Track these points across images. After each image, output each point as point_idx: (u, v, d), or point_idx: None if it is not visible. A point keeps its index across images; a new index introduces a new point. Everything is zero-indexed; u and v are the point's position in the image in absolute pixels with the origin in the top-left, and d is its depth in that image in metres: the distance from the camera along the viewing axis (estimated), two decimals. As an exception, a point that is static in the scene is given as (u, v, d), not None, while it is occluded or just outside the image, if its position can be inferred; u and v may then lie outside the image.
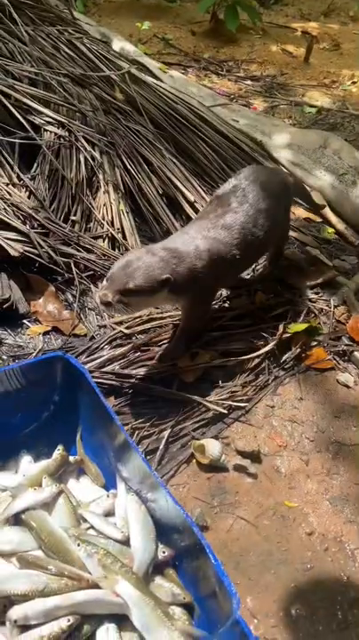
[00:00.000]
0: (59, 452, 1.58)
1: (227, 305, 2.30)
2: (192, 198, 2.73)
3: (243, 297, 2.33)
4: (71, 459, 1.58)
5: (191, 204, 2.73)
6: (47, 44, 3.15)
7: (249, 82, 4.67)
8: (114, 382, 1.91)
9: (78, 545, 1.31)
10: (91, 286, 2.30)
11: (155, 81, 3.33)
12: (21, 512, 1.40)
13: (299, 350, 2.14)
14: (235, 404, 1.92)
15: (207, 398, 1.92)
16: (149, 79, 3.31)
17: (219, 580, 1.14)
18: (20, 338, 2.07)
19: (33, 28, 3.18)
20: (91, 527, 1.41)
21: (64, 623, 1.17)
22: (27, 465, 1.57)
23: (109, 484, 1.55)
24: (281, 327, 2.16)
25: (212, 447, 1.75)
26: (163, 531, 1.38)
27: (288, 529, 1.63)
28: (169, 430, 1.82)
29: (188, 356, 2.02)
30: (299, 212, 2.96)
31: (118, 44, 3.84)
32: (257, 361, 2.06)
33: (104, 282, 1.78)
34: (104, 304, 1.71)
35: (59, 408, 1.68)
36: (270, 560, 1.55)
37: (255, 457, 1.79)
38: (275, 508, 1.68)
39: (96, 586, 1.24)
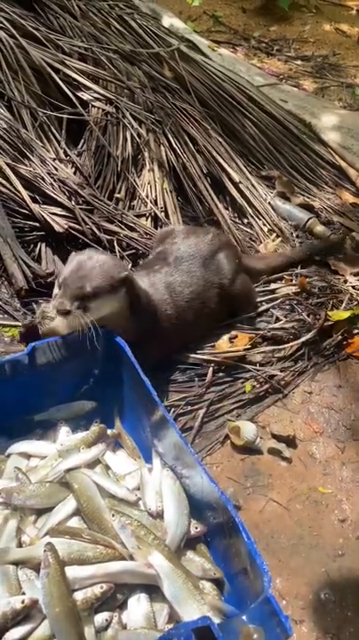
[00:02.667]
0: (97, 424, 1.61)
1: (269, 288, 2.27)
2: (237, 178, 2.70)
3: (286, 280, 2.31)
4: (109, 432, 1.60)
5: (235, 185, 2.71)
6: (98, 19, 3.14)
7: (299, 62, 4.55)
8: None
9: (113, 515, 1.34)
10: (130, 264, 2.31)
11: (203, 59, 3.29)
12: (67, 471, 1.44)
13: (340, 338, 2.11)
14: (274, 386, 1.91)
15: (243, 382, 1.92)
16: (198, 57, 3.27)
17: (251, 557, 1.15)
18: (62, 312, 2.10)
19: (85, 2, 3.17)
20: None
21: (98, 590, 1.20)
22: (66, 436, 1.60)
23: (145, 459, 1.57)
24: (322, 314, 2.13)
25: (248, 430, 1.75)
26: (196, 507, 1.40)
27: (320, 514, 1.63)
28: (204, 409, 1.83)
29: (226, 340, 2.01)
30: (345, 196, 2.89)
31: (168, 21, 3.79)
32: (296, 346, 2.04)
33: (55, 290, 1.64)
34: (62, 313, 1.55)
35: (98, 381, 1.70)
36: (301, 544, 1.55)
37: (290, 441, 1.79)
38: (308, 493, 1.67)
39: (129, 556, 1.27)
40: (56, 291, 1.63)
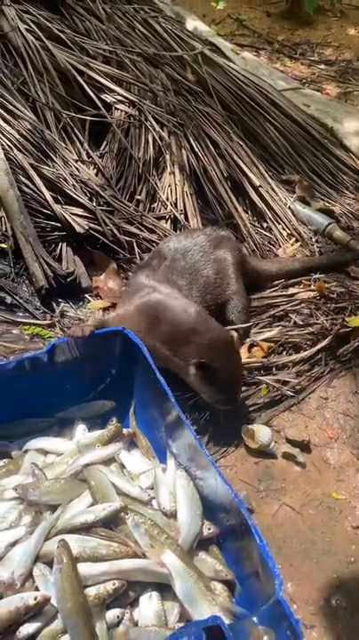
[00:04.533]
0: (112, 423, 1.63)
1: (287, 292, 2.27)
2: (257, 182, 2.71)
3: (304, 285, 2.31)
4: (124, 431, 1.62)
5: (255, 189, 2.71)
6: (123, 22, 3.17)
7: (323, 66, 4.55)
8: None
9: (126, 514, 1.36)
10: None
11: (226, 62, 3.30)
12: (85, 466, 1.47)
13: (357, 344, 2.10)
14: (289, 391, 1.92)
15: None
16: (221, 60, 3.28)
17: (262, 560, 1.15)
18: (81, 311, 2.13)
19: (110, 5, 3.20)
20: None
21: (110, 587, 1.22)
22: (82, 434, 1.62)
23: (159, 459, 1.59)
24: (340, 319, 2.13)
25: (262, 433, 1.75)
26: (209, 508, 1.40)
27: (333, 520, 1.62)
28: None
29: (246, 349, 2.01)
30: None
31: (192, 24, 3.81)
32: (313, 351, 2.04)
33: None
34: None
35: (115, 381, 1.72)
36: (313, 549, 1.55)
37: (305, 446, 1.79)
38: (321, 498, 1.67)
39: (142, 554, 1.28)
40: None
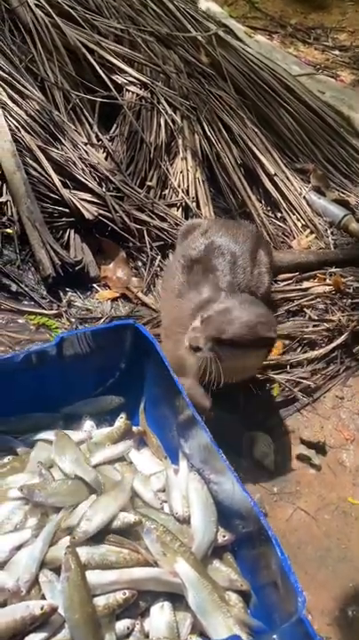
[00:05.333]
0: (122, 419, 1.56)
1: (301, 286, 2.20)
2: (272, 170, 2.62)
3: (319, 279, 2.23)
4: (134, 429, 1.56)
5: (270, 177, 2.62)
6: (135, -1, 3.05)
7: (337, 52, 4.42)
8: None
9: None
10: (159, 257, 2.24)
11: (241, 45, 3.18)
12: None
13: (374, 342, 2.03)
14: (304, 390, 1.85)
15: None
16: (236, 43, 3.16)
17: (283, 574, 1.09)
18: (89, 301, 2.06)
19: (122, -18, 3.08)
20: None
21: (120, 596, 1.16)
22: (90, 430, 1.56)
23: (170, 459, 1.52)
24: (357, 316, 2.05)
25: (261, 445, 1.68)
26: (223, 514, 1.34)
27: (349, 526, 1.57)
28: (230, 411, 1.77)
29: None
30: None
31: (204, 4, 3.67)
32: (329, 348, 1.97)
33: (197, 322, 1.53)
34: (192, 348, 1.49)
35: (125, 376, 1.65)
36: (329, 556, 1.50)
37: (320, 448, 1.73)
38: (337, 503, 1.61)
39: (154, 562, 1.22)
40: (196, 323, 1.53)
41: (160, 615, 1.19)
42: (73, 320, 1.95)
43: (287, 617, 1.07)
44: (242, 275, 1.83)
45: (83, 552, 1.20)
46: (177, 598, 1.21)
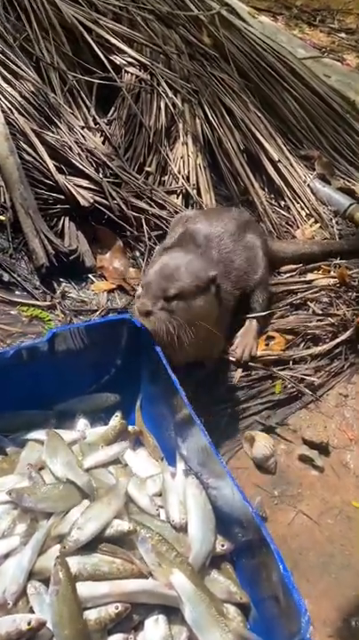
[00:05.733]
0: (117, 418, 1.50)
1: (305, 279, 2.11)
2: (276, 157, 2.52)
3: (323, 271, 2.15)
4: (130, 428, 1.49)
5: (273, 164, 2.53)
6: (135, -25, 2.93)
7: (343, 34, 4.31)
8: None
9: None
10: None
11: (245, 25, 3.06)
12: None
13: (380, 337, 1.95)
14: (307, 388, 1.78)
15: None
16: (239, 23, 3.05)
17: (286, 590, 1.03)
18: (84, 293, 1.97)
19: None
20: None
21: (112, 610, 1.09)
22: (84, 429, 1.49)
23: (167, 461, 1.45)
24: (362, 310, 1.98)
25: (261, 446, 1.60)
26: (222, 521, 1.28)
27: (353, 531, 1.50)
28: (231, 409, 1.70)
29: (262, 341, 1.86)
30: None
31: (206, -18, 3.55)
32: (333, 344, 1.89)
33: (139, 290, 1.53)
34: (143, 314, 1.46)
35: (120, 372, 1.58)
36: (332, 563, 1.43)
37: (323, 449, 1.66)
38: (340, 506, 1.55)
39: (149, 573, 1.16)
40: (139, 292, 1.53)
41: (154, 629, 1.12)
42: (67, 312, 1.86)
43: (289, 636, 1.01)
44: (217, 255, 1.78)
45: (74, 562, 1.14)
46: (172, 611, 1.14)
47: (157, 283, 1.47)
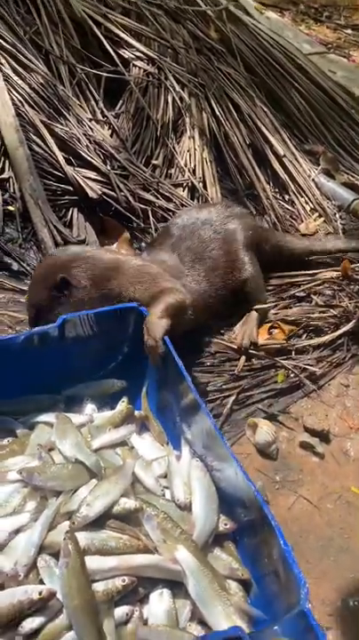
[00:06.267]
0: (123, 403, 1.53)
1: (308, 271, 2.15)
2: (281, 152, 2.55)
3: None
4: (136, 413, 1.53)
5: (279, 158, 2.56)
6: (143, -31, 2.95)
7: (349, 31, 4.32)
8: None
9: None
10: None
11: (251, 21, 3.09)
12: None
13: (381, 329, 1.99)
14: (308, 377, 1.82)
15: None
16: (246, 19, 3.07)
17: (286, 565, 1.07)
18: (91, 282, 2.01)
19: None
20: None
21: (119, 583, 1.14)
22: (92, 413, 1.53)
23: (172, 445, 1.49)
24: (364, 302, 2.02)
25: (263, 433, 1.64)
26: (225, 502, 1.32)
27: (352, 516, 1.54)
28: (234, 396, 1.74)
29: (265, 329, 1.90)
30: None
31: (214, -22, 3.58)
32: (335, 335, 1.93)
33: None
34: None
35: (127, 359, 1.62)
36: (331, 546, 1.48)
37: (324, 436, 1.70)
38: (340, 492, 1.59)
39: (154, 549, 1.20)
40: None
41: (159, 602, 1.17)
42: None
43: (288, 608, 1.05)
44: (190, 244, 1.82)
45: (83, 537, 1.18)
46: (176, 586, 1.19)
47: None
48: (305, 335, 1.94)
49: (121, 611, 1.15)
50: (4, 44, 2.35)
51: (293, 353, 1.87)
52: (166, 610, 1.16)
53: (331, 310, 2.00)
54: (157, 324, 1.49)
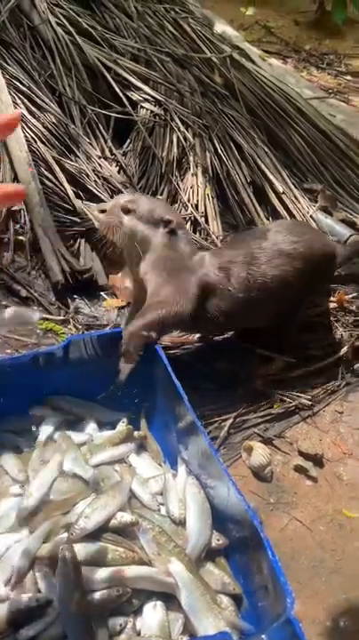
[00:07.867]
0: (124, 424, 1.59)
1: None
2: (280, 189, 2.67)
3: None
4: (135, 433, 1.59)
5: (278, 195, 2.67)
6: (153, 21, 3.15)
7: (349, 77, 4.50)
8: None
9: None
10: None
11: (254, 67, 3.27)
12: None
13: (375, 359, 2.06)
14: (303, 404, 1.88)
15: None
16: (249, 65, 3.25)
17: (274, 576, 1.11)
18: (96, 309, 2.10)
19: (141, 4, 3.19)
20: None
21: (114, 593, 1.18)
22: (92, 433, 1.59)
23: (169, 465, 1.54)
24: (357, 333, 2.09)
25: (258, 455, 1.68)
26: (218, 519, 1.36)
27: (344, 539, 1.58)
28: (231, 420, 1.80)
29: (263, 361, 1.97)
30: None
31: (220, 28, 3.77)
32: (330, 362, 2.00)
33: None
34: (101, 210, 1.70)
35: (128, 381, 1.68)
36: (322, 567, 1.51)
37: (318, 460, 1.74)
38: (332, 515, 1.62)
39: (149, 561, 1.24)
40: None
41: (153, 614, 1.20)
42: (79, 326, 1.99)
43: (276, 618, 1.09)
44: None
45: (80, 548, 1.22)
46: (169, 598, 1.23)
47: (122, 197, 1.75)
48: (300, 363, 2.00)
49: (115, 621, 1.19)
50: (21, 86, 2.52)
51: (289, 381, 1.93)
52: (159, 622, 1.19)
53: (326, 339, 2.07)
54: (134, 334, 1.60)
